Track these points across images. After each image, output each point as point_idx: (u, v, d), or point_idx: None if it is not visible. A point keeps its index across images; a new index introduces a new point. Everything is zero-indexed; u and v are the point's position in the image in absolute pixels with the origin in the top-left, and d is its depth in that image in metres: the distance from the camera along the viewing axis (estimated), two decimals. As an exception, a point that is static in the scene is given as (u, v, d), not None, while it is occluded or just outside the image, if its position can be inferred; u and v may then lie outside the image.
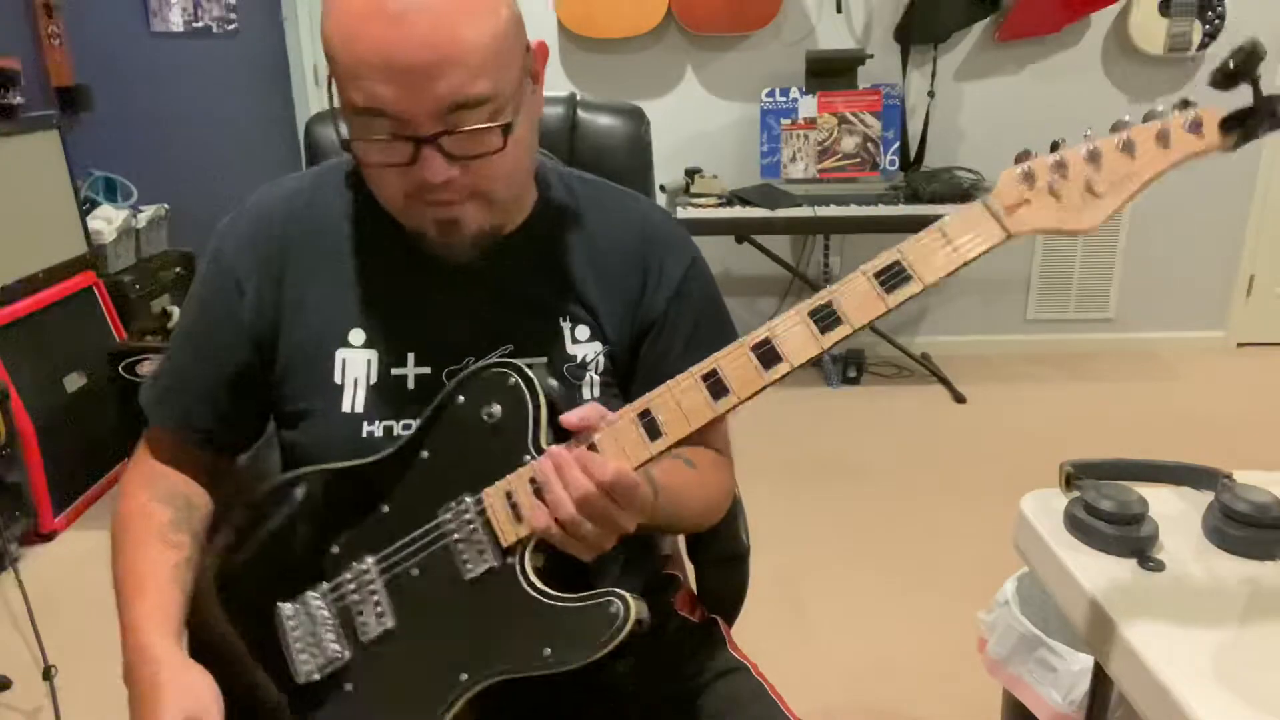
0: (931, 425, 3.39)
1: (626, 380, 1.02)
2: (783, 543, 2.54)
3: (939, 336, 4.00)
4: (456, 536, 0.86)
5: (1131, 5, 3.56)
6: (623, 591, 0.82)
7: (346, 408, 0.94)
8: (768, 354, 0.80)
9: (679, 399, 0.81)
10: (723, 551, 1.18)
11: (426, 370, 0.95)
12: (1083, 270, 3.94)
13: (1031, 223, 0.78)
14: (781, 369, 0.80)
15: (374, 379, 0.95)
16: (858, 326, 0.81)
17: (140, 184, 3.21)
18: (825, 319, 0.80)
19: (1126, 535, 0.98)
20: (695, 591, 1.18)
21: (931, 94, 3.68)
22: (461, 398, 0.88)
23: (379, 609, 0.88)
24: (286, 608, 0.91)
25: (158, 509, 0.96)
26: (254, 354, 0.97)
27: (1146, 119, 0.78)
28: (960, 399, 3.57)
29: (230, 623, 0.95)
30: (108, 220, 3.00)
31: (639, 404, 0.82)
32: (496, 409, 0.86)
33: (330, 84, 0.86)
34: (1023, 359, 3.92)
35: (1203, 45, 3.57)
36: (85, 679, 2.08)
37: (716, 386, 0.81)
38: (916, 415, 3.48)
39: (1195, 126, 0.76)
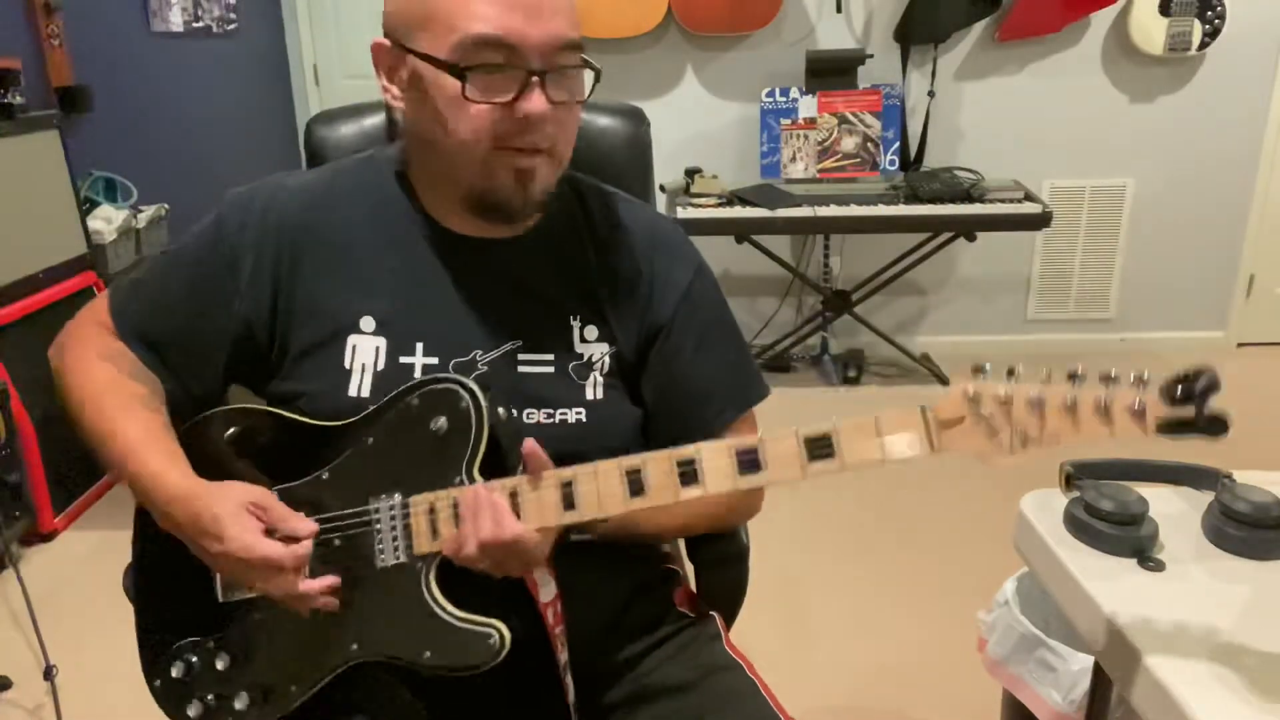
0: (931, 425, 3.39)
1: (633, 384, 1.03)
2: (782, 542, 2.54)
3: (939, 336, 4.00)
4: (378, 527, 0.92)
5: (1131, 5, 3.57)
6: (503, 627, 0.88)
7: (353, 392, 0.96)
8: (688, 473, 0.84)
9: (600, 482, 0.86)
10: (722, 551, 1.18)
11: (434, 360, 0.97)
12: (1083, 270, 3.94)
13: (959, 446, 0.81)
14: (695, 492, 0.84)
15: (381, 365, 0.97)
16: (772, 480, 0.84)
17: (140, 184, 3.21)
18: (747, 463, 0.84)
19: (1126, 535, 0.99)
20: (694, 589, 1.18)
21: (931, 94, 3.69)
22: (416, 401, 0.92)
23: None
24: None
25: (129, 382, 0.98)
26: (243, 329, 0.99)
27: (1102, 379, 0.79)
28: (960, 399, 3.56)
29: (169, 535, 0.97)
30: (108, 220, 3.00)
31: (568, 472, 0.86)
32: (443, 423, 0.91)
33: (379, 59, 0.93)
34: (1023, 359, 3.90)
35: (1203, 45, 3.57)
36: (86, 678, 2.08)
37: (635, 484, 0.85)
38: (916, 415, 3.48)
39: (1139, 414, 0.76)
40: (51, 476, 2.62)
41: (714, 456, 0.84)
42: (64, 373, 1.00)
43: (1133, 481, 1.04)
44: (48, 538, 2.64)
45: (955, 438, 0.81)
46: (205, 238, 1.01)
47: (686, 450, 0.85)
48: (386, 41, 0.94)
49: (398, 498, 0.91)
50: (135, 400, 0.96)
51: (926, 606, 2.27)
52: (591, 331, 1.01)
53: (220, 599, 0.97)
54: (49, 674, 1.85)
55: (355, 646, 0.92)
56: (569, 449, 0.96)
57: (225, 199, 1.02)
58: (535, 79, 0.88)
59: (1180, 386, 0.75)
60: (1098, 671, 1.16)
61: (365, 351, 0.97)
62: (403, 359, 0.97)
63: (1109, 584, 0.96)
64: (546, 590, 0.94)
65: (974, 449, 0.81)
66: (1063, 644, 1.46)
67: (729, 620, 1.16)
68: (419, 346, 0.97)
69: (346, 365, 0.97)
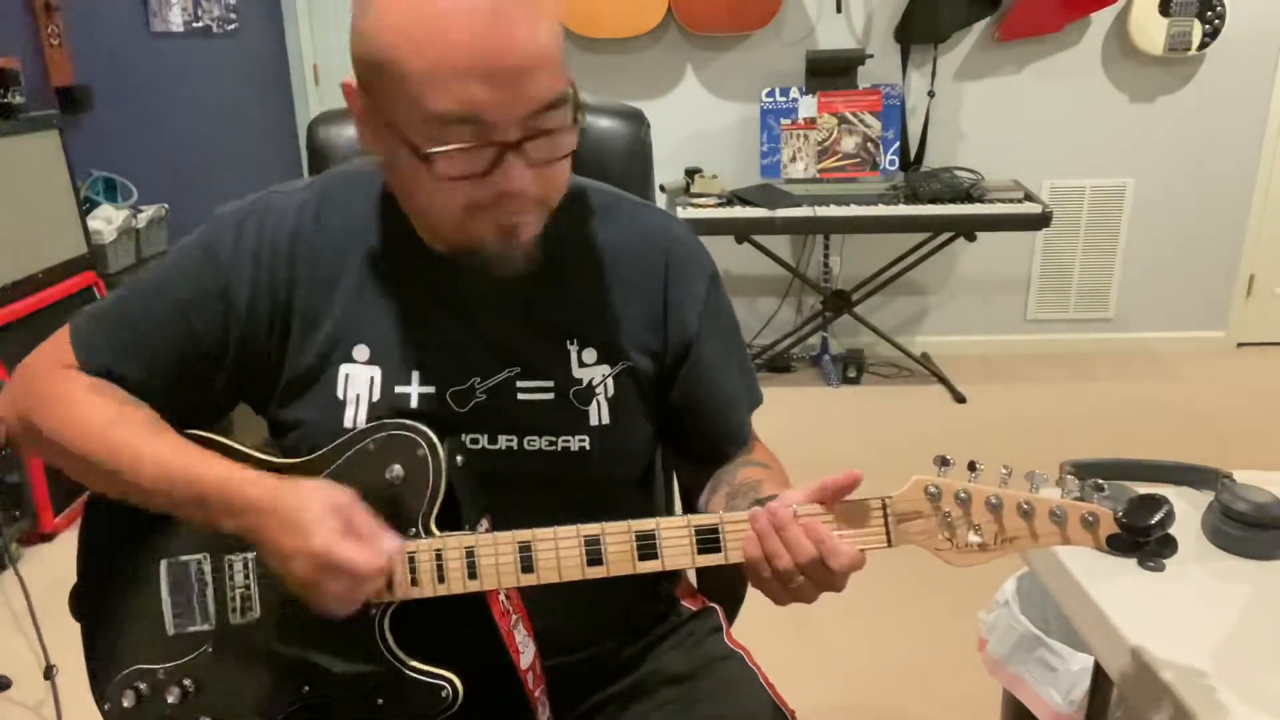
0: (931, 425, 3.39)
1: (651, 399, 1.01)
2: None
3: (939, 336, 4.00)
4: None
5: (1131, 5, 3.56)
6: (455, 679, 0.89)
7: (349, 423, 0.93)
8: (647, 547, 0.86)
9: (559, 547, 0.86)
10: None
11: (430, 389, 0.94)
12: (1083, 270, 3.94)
13: (915, 540, 0.84)
14: (653, 566, 0.86)
15: (376, 396, 0.94)
16: (732, 560, 0.85)
17: (140, 184, 3.21)
18: (708, 541, 0.85)
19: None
20: (695, 584, 1.19)
21: (931, 94, 3.69)
22: (371, 446, 0.90)
23: (248, 600, 0.92)
24: (167, 563, 0.94)
25: (134, 411, 0.92)
26: (241, 354, 0.95)
27: (1060, 483, 0.81)
28: (960, 399, 3.57)
29: (116, 557, 0.96)
30: (108, 220, 3.00)
31: (526, 534, 0.86)
32: (399, 471, 0.89)
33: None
34: (1023, 359, 3.92)
35: (1203, 45, 3.57)
36: (86, 678, 2.08)
37: (594, 554, 0.86)
38: (916, 415, 3.48)
39: (1090, 523, 0.79)
40: (51, 476, 2.62)
41: (675, 533, 0.85)
42: (45, 420, 0.92)
43: (1133, 481, 1.04)
44: (48, 538, 2.64)
45: (911, 533, 0.84)
46: (193, 262, 0.95)
47: (645, 523, 0.85)
48: (355, 85, 0.86)
49: None
50: (149, 425, 0.91)
51: (926, 606, 2.27)
52: (590, 355, 0.97)
53: (170, 632, 0.94)
54: (49, 674, 1.85)
55: (307, 688, 0.91)
56: (572, 477, 0.96)
57: (213, 220, 0.97)
58: (513, 151, 0.80)
59: (1135, 517, 0.77)
60: (1098, 671, 1.16)
61: (359, 381, 0.94)
62: (398, 388, 0.94)
63: (1109, 584, 0.96)
64: (526, 655, 0.92)
65: (927, 546, 0.84)
66: (1063, 644, 1.46)
67: (731, 614, 1.16)
68: (415, 375, 0.94)
69: (340, 395, 0.94)
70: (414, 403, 0.94)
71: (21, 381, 0.96)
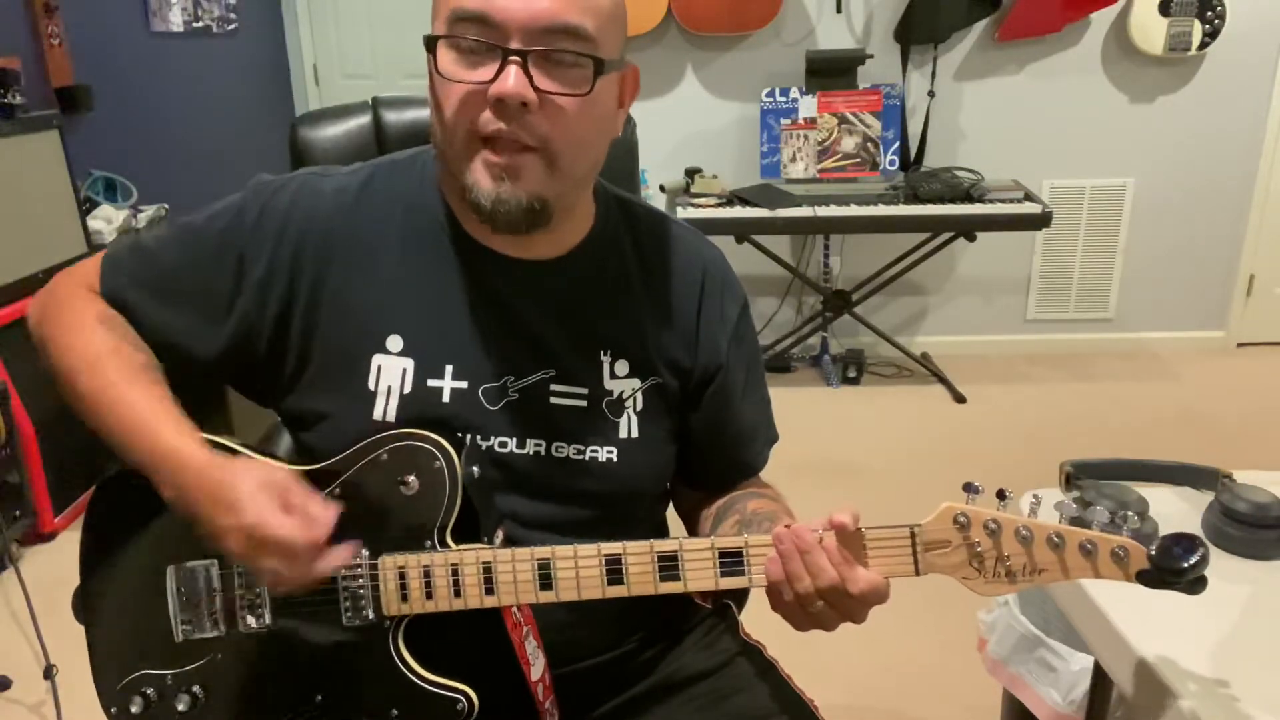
0: (931, 425, 3.39)
1: (676, 417, 1.01)
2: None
3: (939, 336, 4.00)
4: (345, 585, 0.88)
5: (1131, 5, 3.56)
6: (471, 692, 0.87)
7: (378, 415, 0.92)
8: (669, 568, 0.85)
9: (580, 565, 0.85)
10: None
11: (463, 385, 0.93)
12: (1083, 270, 3.94)
13: (942, 570, 0.83)
14: (674, 587, 0.85)
15: (408, 388, 0.92)
16: (755, 584, 0.85)
17: (140, 184, 3.21)
18: (731, 564, 0.85)
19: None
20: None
21: (931, 94, 3.69)
22: (385, 456, 0.88)
23: (259, 608, 0.91)
24: (175, 570, 0.92)
25: (131, 351, 0.92)
26: (240, 328, 0.93)
27: (1086, 519, 0.79)
28: (960, 399, 3.57)
29: (120, 562, 0.95)
30: (108, 220, 3.00)
31: (545, 551, 0.86)
32: (413, 482, 0.87)
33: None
34: (1023, 359, 3.92)
35: (1203, 45, 3.57)
36: (86, 678, 2.08)
37: (615, 574, 0.85)
38: (916, 415, 3.48)
39: (1121, 556, 0.77)
40: (51, 476, 2.62)
41: (698, 555, 0.84)
42: (54, 337, 0.94)
43: (1133, 481, 1.04)
44: (48, 538, 2.64)
45: (938, 562, 0.82)
46: (220, 224, 0.95)
47: (668, 543, 0.84)
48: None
49: (364, 555, 0.87)
50: (139, 370, 0.90)
51: (926, 606, 2.27)
52: (622, 367, 0.97)
53: (178, 639, 0.92)
54: (49, 673, 1.85)
55: (320, 698, 0.90)
56: (595, 489, 0.95)
57: (252, 185, 0.96)
58: (514, 59, 0.80)
59: (1168, 558, 0.75)
60: (1098, 671, 1.16)
61: (391, 373, 0.92)
62: (431, 382, 0.92)
63: (1109, 584, 0.96)
64: (536, 666, 0.92)
65: (954, 575, 0.82)
66: (1063, 644, 1.46)
67: (739, 606, 1.17)
68: (448, 369, 0.93)
69: (371, 387, 0.92)
70: (445, 397, 0.92)
71: (50, 290, 0.99)
